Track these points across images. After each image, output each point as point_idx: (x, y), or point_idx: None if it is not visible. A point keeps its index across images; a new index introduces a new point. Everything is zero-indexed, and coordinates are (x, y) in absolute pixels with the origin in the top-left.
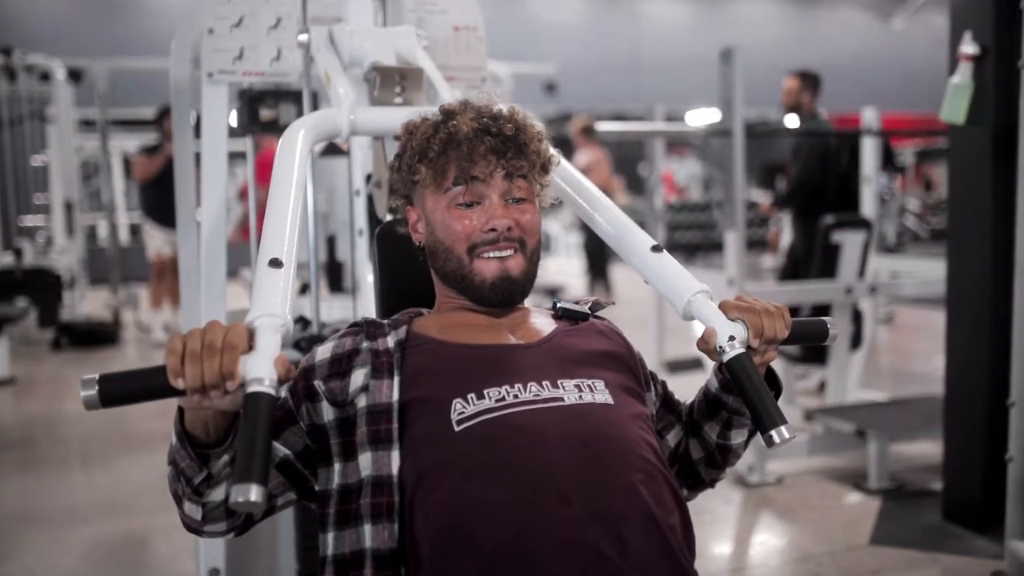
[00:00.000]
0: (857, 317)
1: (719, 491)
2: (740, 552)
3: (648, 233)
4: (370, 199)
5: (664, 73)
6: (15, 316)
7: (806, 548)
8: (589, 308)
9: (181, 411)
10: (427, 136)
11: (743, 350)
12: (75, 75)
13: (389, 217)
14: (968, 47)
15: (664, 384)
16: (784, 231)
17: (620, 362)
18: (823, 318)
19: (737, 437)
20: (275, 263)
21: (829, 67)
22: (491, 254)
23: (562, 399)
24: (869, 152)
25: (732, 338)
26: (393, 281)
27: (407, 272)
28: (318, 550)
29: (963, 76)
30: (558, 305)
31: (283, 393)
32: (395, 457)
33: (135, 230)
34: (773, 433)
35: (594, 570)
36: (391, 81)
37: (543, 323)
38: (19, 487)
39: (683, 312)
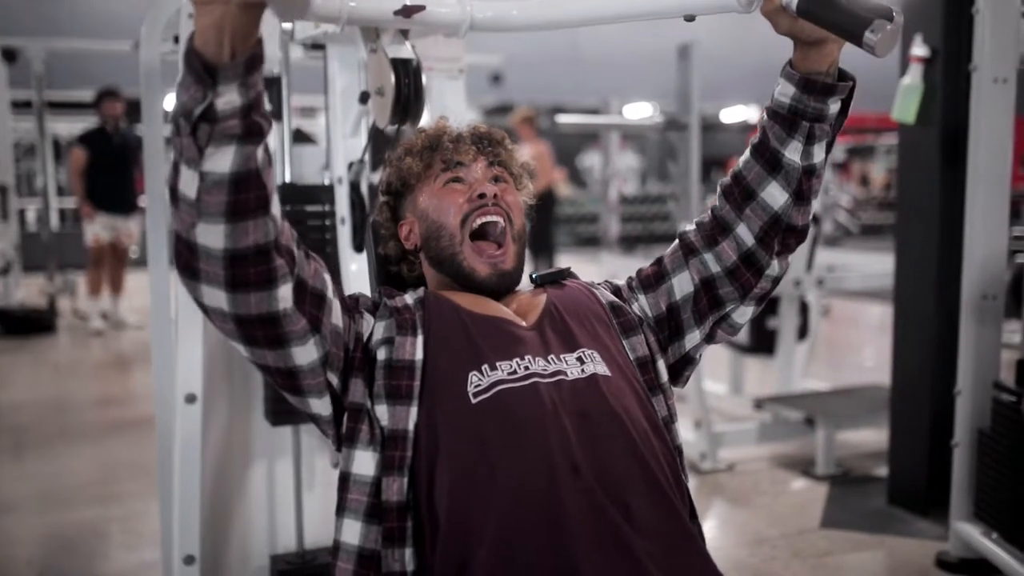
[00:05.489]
0: (804, 309)
1: None
2: None
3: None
4: (353, 187)
5: (603, 68)
6: None
7: (760, 532)
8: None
9: (191, 40)
10: (412, 141)
11: None
12: (9, 55)
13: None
14: (919, 49)
15: (637, 273)
16: None
17: (605, 327)
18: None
19: (819, 152)
20: None
21: (770, 66)
22: (481, 219)
23: (565, 373)
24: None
25: None
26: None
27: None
28: None
29: (914, 77)
30: (534, 276)
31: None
32: (413, 413)
33: (64, 215)
34: (874, 27)
35: (607, 536)
36: None
37: (534, 299)
38: None
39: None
